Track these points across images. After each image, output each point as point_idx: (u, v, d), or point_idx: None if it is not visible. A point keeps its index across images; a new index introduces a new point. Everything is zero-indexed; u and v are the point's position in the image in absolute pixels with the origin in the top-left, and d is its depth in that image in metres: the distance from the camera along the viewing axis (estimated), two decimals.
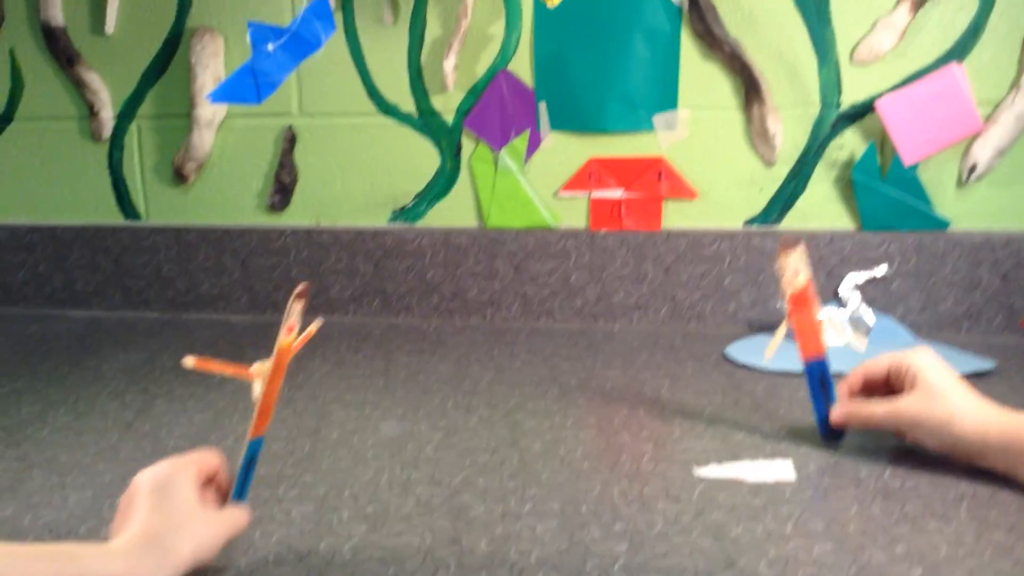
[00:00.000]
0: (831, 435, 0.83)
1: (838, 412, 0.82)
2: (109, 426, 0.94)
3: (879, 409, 0.79)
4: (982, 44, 1.18)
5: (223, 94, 1.04)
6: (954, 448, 0.75)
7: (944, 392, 0.76)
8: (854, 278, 1.21)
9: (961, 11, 1.18)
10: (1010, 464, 0.73)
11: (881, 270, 1.21)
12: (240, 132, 1.40)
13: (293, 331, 0.62)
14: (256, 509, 0.70)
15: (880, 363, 0.81)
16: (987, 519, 0.67)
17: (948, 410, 0.75)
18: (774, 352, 0.85)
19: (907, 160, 1.19)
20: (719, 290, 1.27)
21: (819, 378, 0.83)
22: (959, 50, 1.19)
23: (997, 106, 1.19)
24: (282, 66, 1.04)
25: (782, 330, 0.84)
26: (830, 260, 1.23)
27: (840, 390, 0.83)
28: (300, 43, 1.06)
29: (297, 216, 1.42)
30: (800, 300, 0.81)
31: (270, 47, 1.04)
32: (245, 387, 1.05)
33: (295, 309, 0.61)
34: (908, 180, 1.21)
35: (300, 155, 1.40)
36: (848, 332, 1.16)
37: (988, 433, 0.73)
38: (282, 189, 1.40)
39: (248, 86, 1.02)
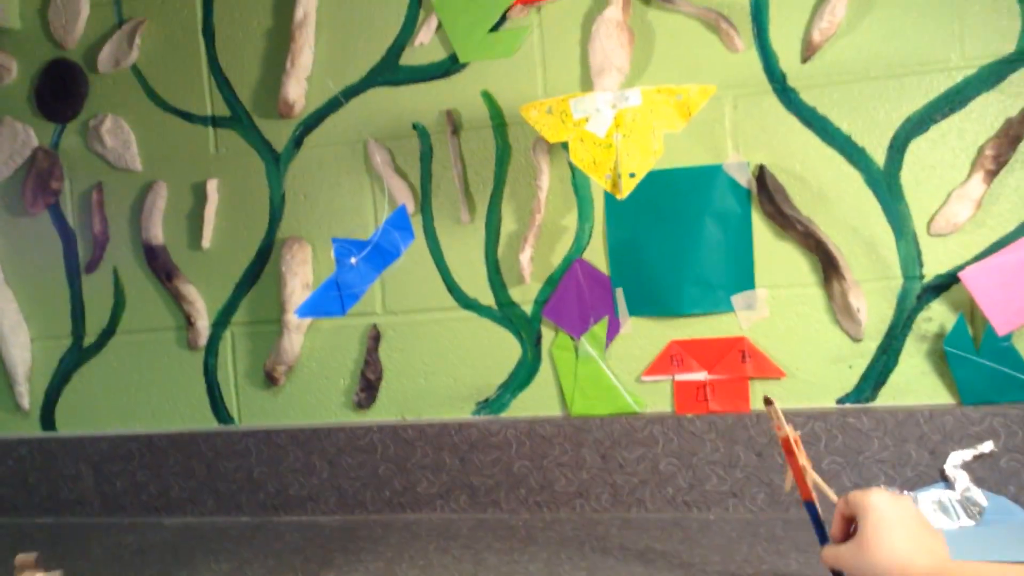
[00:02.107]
0: (834, 571, 0.89)
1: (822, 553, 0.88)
2: None
3: (827, 554, 0.86)
4: None
5: (309, 309, 1.08)
6: None
7: (873, 545, 0.79)
8: (959, 456, 1.15)
9: None
10: None
11: (987, 447, 1.15)
12: (327, 333, 1.45)
13: None
14: None
15: (842, 505, 0.87)
16: None
17: (871, 565, 0.79)
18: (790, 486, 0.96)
19: (1000, 330, 1.16)
20: (817, 472, 1.22)
21: (814, 519, 0.92)
22: None
23: None
24: (364, 277, 1.08)
25: (789, 473, 0.94)
26: (932, 438, 1.18)
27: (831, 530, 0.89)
28: (381, 254, 1.11)
29: (383, 412, 1.44)
30: (786, 450, 0.92)
31: (353, 260, 1.09)
32: None
33: None
34: (1004, 351, 1.17)
35: (384, 352, 1.43)
36: (960, 514, 1.10)
37: None
38: (368, 386, 1.43)
39: (333, 299, 1.06)
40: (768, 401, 0.92)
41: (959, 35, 1.19)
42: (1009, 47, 1.18)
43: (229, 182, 1.49)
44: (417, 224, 1.40)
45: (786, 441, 0.92)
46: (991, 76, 1.18)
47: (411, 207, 1.40)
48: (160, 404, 1.54)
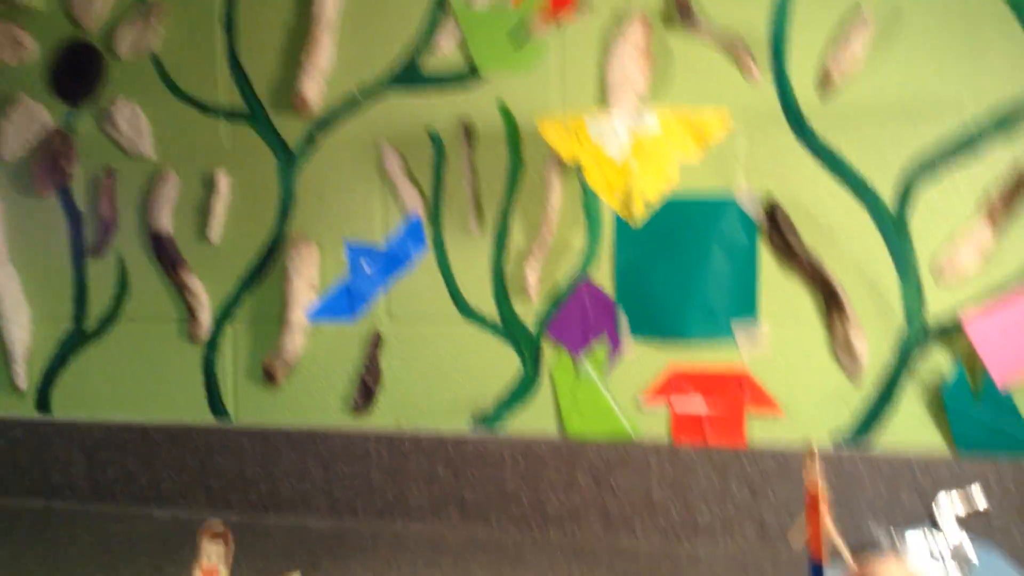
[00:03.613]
0: None
1: None
2: None
3: None
4: None
5: (321, 312, 1.09)
6: None
7: None
8: (951, 507, 1.15)
9: None
10: None
11: (980, 500, 1.15)
12: (329, 336, 1.45)
13: None
14: None
15: (853, 570, 0.87)
16: None
17: None
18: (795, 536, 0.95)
19: (1000, 383, 1.16)
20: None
21: None
22: None
23: None
24: (375, 284, 1.09)
25: (802, 519, 0.93)
26: (923, 485, 1.18)
27: None
28: (392, 261, 1.11)
29: (379, 418, 1.44)
30: (811, 506, 0.91)
31: (365, 266, 1.09)
32: None
33: (210, 550, 0.53)
34: (1002, 402, 1.17)
35: (385, 358, 1.43)
36: (950, 566, 1.10)
37: None
38: (366, 392, 1.43)
39: (343, 303, 1.08)
40: (810, 453, 0.91)
41: (973, 73, 1.19)
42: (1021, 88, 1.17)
43: (240, 176, 1.49)
44: (426, 233, 1.40)
45: (816, 496, 0.90)
46: (1003, 119, 1.18)
47: (421, 215, 1.40)
48: (157, 395, 1.54)
